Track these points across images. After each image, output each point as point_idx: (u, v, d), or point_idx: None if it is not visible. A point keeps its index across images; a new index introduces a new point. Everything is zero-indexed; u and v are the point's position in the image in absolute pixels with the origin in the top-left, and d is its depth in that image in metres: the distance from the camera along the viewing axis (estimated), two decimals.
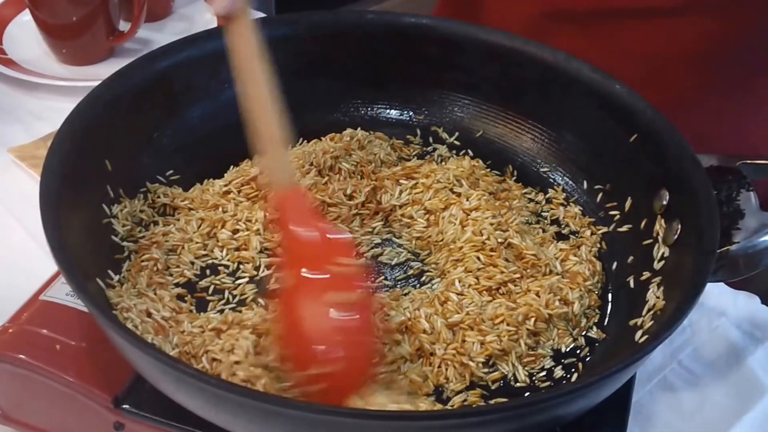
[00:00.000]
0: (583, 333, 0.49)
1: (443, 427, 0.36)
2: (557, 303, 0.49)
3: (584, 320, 0.50)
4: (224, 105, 0.58)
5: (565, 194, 0.57)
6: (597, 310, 0.50)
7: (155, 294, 0.48)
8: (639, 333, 0.45)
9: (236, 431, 0.40)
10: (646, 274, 0.49)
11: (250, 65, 0.47)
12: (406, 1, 1.79)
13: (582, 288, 0.50)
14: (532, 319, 0.47)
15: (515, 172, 0.59)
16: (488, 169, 0.58)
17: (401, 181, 0.56)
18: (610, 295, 0.52)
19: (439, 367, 0.46)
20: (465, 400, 0.45)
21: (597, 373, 0.39)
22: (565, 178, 0.58)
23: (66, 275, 0.40)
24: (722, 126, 0.69)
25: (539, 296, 0.48)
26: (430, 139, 0.61)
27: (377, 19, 0.61)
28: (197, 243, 0.52)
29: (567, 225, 0.54)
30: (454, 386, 0.45)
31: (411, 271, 0.52)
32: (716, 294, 0.59)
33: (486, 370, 0.46)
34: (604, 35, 0.67)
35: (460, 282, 0.49)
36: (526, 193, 0.58)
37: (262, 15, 0.87)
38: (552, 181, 0.58)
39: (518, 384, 0.46)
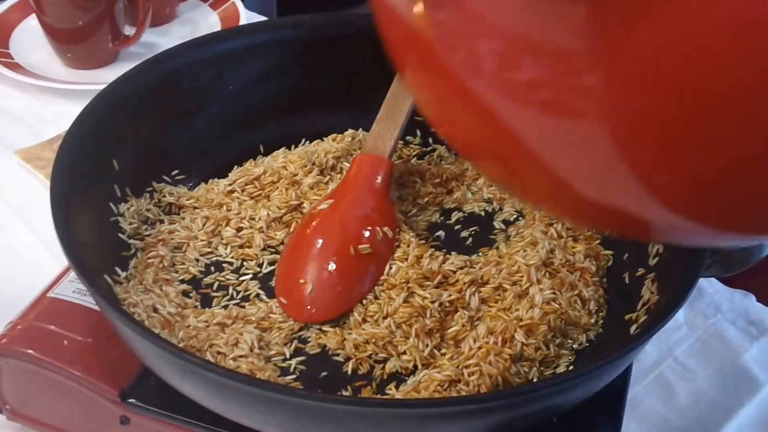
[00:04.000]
0: (593, 329, 0.49)
1: (440, 414, 0.37)
2: (578, 303, 0.49)
3: (595, 317, 0.50)
4: (228, 106, 0.59)
5: None
6: (605, 305, 0.51)
7: (161, 290, 0.49)
8: (634, 327, 0.46)
9: (240, 421, 0.40)
10: (641, 271, 0.50)
11: None
12: None
13: (591, 284, 0.51)
14: (562, 322, 0.48)
15: None
16: None
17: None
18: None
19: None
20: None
21: (591, 363, 0.40)
22: None
23: (76, 271, 0.41)
24: None
25: (561, 293, 0.49)
26: (430, 140, 0.62)
27: None
28: (202, 240, 0.53)
29: (563, 222, 0.55)
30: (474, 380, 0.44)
31: None
32: (712, 291, 0.59)
33: (514, 370, 0.45)
34: None
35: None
36: None
37: (264, 18, 0.88)
38: None
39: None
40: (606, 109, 0.23)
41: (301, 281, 0.49)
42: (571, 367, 0.46)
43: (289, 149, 0.60)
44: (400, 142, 0.62)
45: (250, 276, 0.52)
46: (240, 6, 0.87)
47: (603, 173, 0.25)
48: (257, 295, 0.51)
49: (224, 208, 0.55)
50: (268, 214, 0.54)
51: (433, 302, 0.48)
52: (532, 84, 0.24)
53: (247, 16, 0.86)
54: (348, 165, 0.57)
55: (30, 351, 0.46)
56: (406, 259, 0.51)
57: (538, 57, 0.23)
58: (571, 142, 0.25)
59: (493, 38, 0.24)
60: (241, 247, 0.53)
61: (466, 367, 0.45)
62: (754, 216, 0.24)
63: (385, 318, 0.48)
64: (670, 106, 0.22)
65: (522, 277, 0.49)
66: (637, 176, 0.24)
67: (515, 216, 0.57)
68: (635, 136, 0.23)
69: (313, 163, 0.57)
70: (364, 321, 0.48)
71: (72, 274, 0.50)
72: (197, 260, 0.52)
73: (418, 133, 0.63)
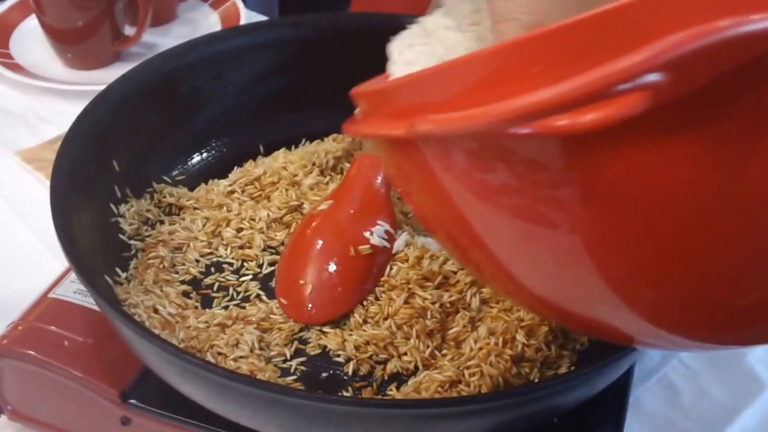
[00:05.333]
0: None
1: (441, 415, 0.37)
2: None
3: None
4: (228, 106, 0.59)
5: None
6: None
7: (162, 291, 0.49)
8: None
9: (240, 422, 0.40)
10: None
11: None
12: None
13: None
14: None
15: None
16: None
17: None
18: None
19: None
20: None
21: (592, 363, 0.39)
22: None
23: (77, 272, 0.41)
24: None
25: None
26: None
27: (378, 20, 0.62)
28: (202, 241, 0.53)
29: None
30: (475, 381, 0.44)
31: None
32: None
33: (515, 371, 0.45)
34: None
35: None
36: None
37: (265, 18, 0.88)
38: None
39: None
40: (580, 224, 0.22)
41: (302, 282, 0.49)
42: (572, 368, 0.46)
43: (289, 149, 0.60)
44: None
45: (251, 277, 0.52)
46: (240, 6, 0.87)
47: (575, 284, 0.24)
48: (257, 296, 0.50)
49: (224, 208, 0.54)
50: (268, 215, 0.54)
51: (433, 303, 0.48)
52: (504, 189, 0.22)
53: (248, 16, 0.86)
54: (348, 165, 0.57)
55: (31, 352, 0.46)
56: (407, 260, 0.50)
57: (512, 165, 0.21)
58: (539, 248, 0.23)
59: (468, 140, 0.22)
60: (241, 247, 0.53)
61: (467, 368, 0.44)
62: (742, 331, 0.23)
63: (385, 319, 0.48)
64: (647, 231, 0.21)
65: None
66: (616, 292, 0.23)
67: None
68: (613, 255, 0.22)
69: (314, 164, 0.57)
70: (365, 322, 0.48)
71: (73, 275, 0.50)
72: (197, 261, 0.52)
73: None
